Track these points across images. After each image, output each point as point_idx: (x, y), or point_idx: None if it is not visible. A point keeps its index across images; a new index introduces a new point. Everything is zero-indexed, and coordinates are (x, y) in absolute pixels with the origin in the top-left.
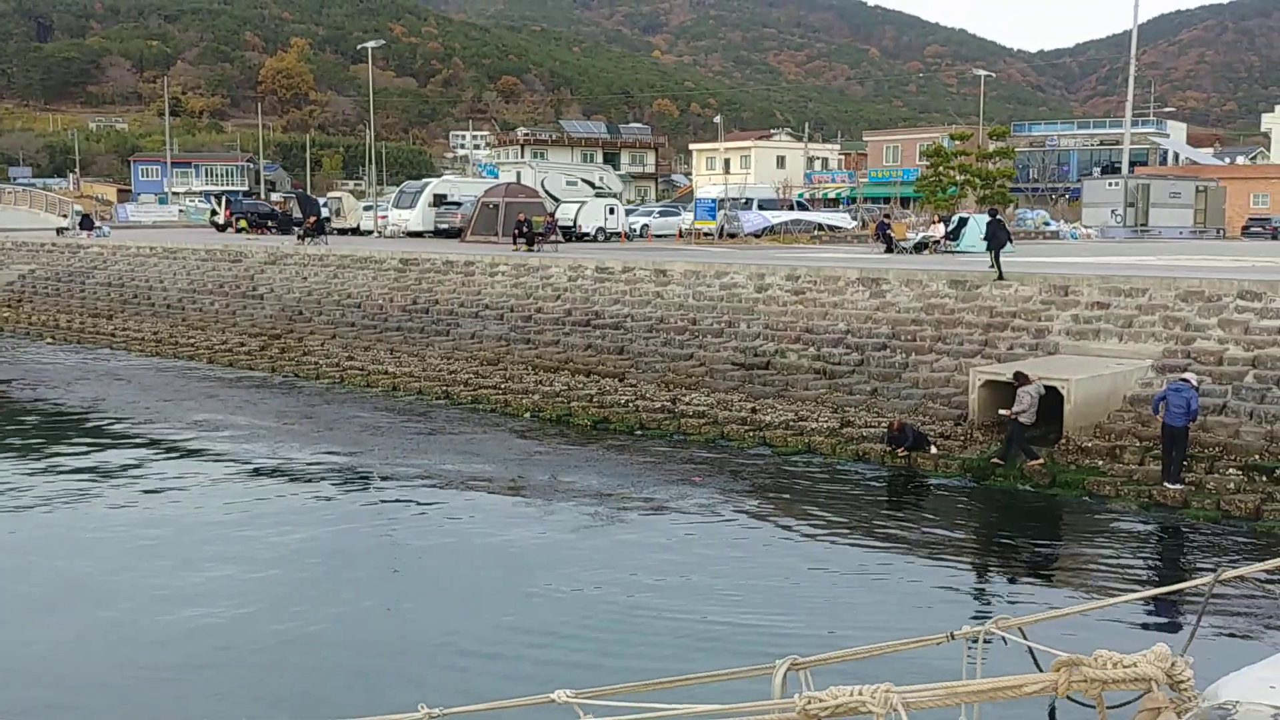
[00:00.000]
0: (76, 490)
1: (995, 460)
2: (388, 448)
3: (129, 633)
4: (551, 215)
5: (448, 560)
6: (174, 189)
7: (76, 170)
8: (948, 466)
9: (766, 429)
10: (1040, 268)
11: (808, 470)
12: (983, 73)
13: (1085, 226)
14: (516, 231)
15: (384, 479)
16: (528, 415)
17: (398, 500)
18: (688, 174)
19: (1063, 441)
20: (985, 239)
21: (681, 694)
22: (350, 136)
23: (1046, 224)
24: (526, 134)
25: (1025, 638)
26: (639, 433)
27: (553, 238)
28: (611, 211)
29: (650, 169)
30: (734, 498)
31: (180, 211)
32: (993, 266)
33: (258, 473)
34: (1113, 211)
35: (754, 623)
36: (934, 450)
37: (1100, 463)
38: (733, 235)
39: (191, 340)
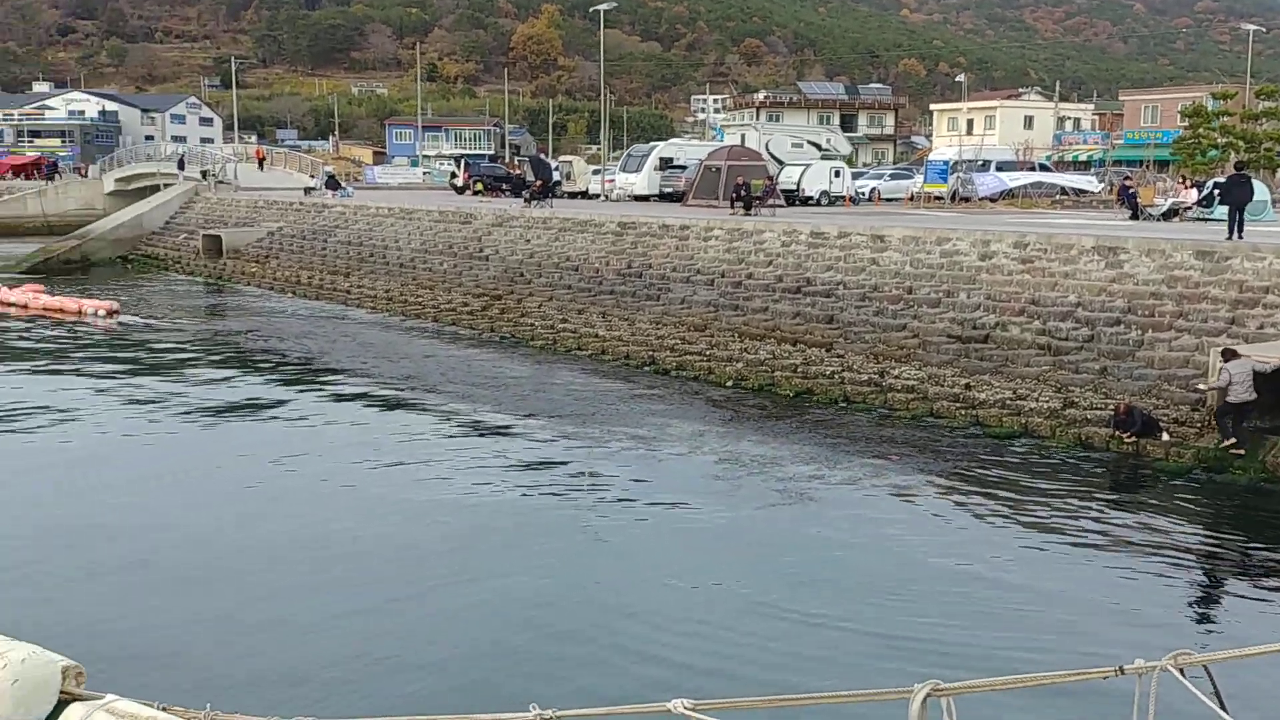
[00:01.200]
0: (280, 438)
1: (1233, 450)
2: (585, 412)
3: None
4: (770, 178)
5: (618, 536)
6: (424, 152)
7: (336, 133)
8: (1180, 456)
9: (980, 407)
10: None
11: (1021, 454)
12: (1251, 27)
13: None
14: (734, 195)
15: (575, 444)
16: (730, 384)
17: (583, 467)
18: (929, 136)
19: None
20: (1221, 197)
21: (809, 714)
22: (595, 101)
23: None
24: (765, 96)
25: (1212, 679)
26: (842, 406)
27: (771, 201)
28: (837, 174)
29: (889, 130)
30: (933, 481)
31: (425, 174)
32: (1230, 227)
33: (456, 430)
34: None
35: (914, 629)
36: (1166, 437)
37: None
38: (965, 199)
39: (419, 299)
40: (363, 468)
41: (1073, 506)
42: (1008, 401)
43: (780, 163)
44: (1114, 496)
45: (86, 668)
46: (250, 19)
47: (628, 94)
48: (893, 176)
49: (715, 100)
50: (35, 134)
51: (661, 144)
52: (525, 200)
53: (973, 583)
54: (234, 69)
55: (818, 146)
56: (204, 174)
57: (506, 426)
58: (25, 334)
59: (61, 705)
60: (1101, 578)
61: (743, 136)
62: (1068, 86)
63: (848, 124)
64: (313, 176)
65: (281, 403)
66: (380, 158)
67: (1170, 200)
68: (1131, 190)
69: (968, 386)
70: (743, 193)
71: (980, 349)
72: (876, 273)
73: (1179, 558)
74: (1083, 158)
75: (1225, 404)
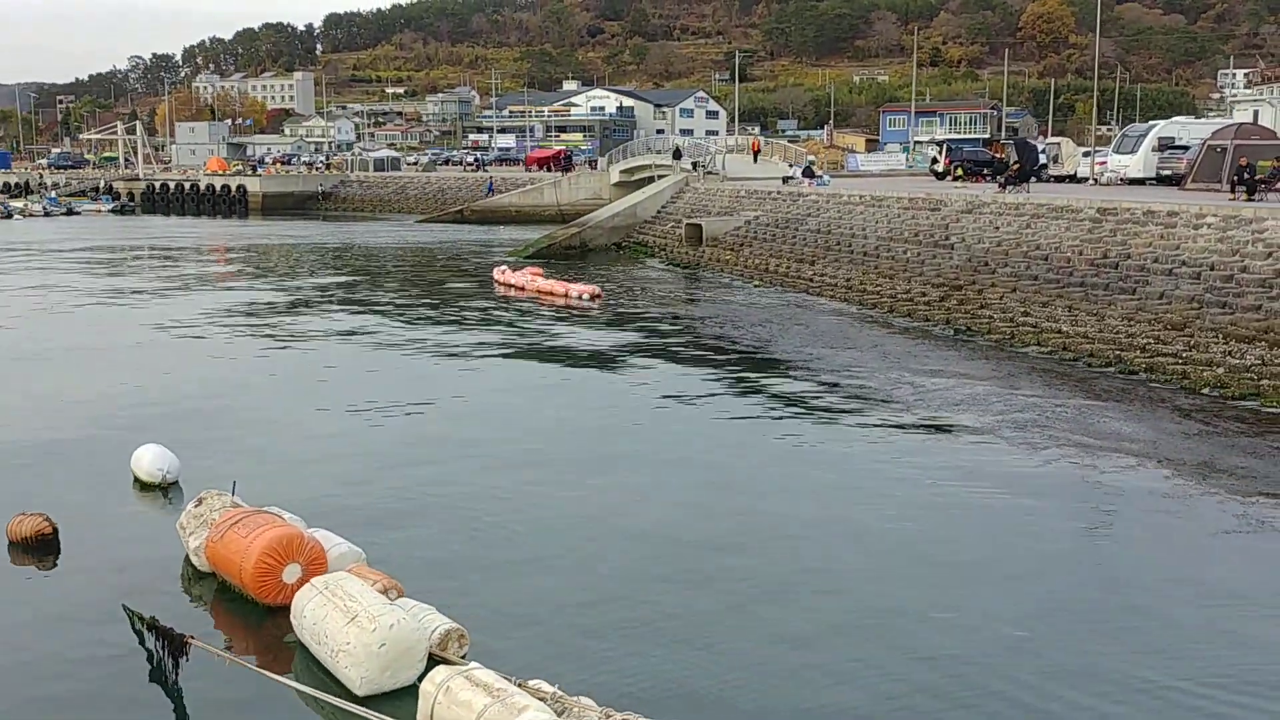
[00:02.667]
0: (726, 427)
1: None
2: (1033, 413)
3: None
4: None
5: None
6: (917, 138)
7: (831, 122)
8: None
9: None
10: None
11: None
12: None
13: None
14: (1236, 178)
15: (1014, 447)
16: (1206, 390)
17: (1018, 474)
18: None
19: None
20: None
21: None
22: (1108, 80)
23: None
24: None
25: None
26: None
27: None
28: None
29: None
30: None
31: (911, 162)
32: None
33: (897, 425)
34: None
35: None
36: None
37: None
38: None
39: (877, 288)
40: (806, 464)
41: None
42: None
43: None
44: None
45: (475, 632)
46: (760, 13)
47: (1145, 70)
48: None
49: (1243, 75)
50: (561, 129)
51: (1161, 123)
52: (1000, 184)
53: None
54: (737, 62)
55: None
56: (695, 165)
57: (947, 423)
58: (523, 310)
59: (432, 666)
60: None
61: (1255, 113)
62: None
63: None
64: (791, 166)
65: (732, 388)
66: (873, 145)
67: None
68: None
69: None
70: (1245, 175)
71: None
72: None
73: None
74: None
75: None
